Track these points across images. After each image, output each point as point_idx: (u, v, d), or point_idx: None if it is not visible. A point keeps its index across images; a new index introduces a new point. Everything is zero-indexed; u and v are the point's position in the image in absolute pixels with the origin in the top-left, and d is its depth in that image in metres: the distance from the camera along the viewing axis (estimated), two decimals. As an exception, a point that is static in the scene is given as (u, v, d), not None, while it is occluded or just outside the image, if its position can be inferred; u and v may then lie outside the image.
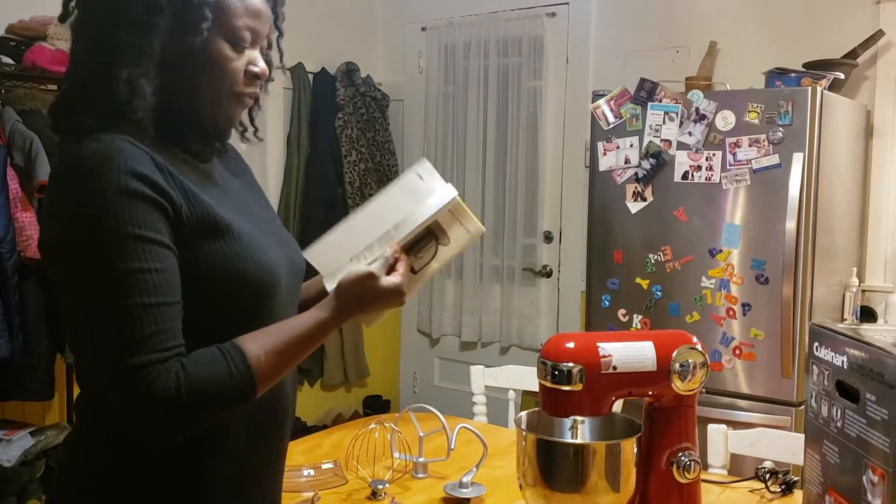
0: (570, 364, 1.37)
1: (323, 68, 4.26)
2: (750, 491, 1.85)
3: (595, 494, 1.39)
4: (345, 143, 4.22)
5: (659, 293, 3.06)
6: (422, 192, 1.31)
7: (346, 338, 4.34)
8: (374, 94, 4.39)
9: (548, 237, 4.14)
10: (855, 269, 3.16)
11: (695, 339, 1.46)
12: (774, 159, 2.82)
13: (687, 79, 3.32)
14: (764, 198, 2.85)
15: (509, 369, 2.70)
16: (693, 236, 2.99)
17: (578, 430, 1.53)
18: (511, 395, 2.68)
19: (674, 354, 1.42)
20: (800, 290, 2.81)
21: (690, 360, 1.43)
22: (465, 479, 1.80)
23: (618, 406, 2.04)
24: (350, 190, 4.21)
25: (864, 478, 1.24)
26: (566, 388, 1.38)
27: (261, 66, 1.21)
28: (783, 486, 1.82)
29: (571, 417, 1.51)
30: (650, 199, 3.06)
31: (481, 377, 2.66)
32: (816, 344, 1.41)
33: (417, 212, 1.29)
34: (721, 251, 2.94)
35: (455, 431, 1.94)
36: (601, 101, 3.13)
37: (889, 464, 1.19)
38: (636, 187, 3.08)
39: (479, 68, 4.23)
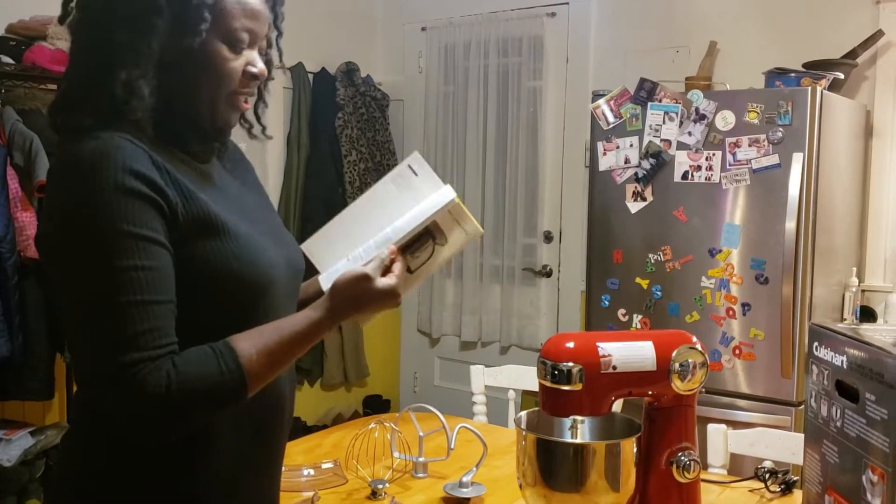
0: (570, 364, 1.38)
1: (323, 68, 4.26)
2: (750, 491, 1.85)
3: (595, 494, 1.39)
4: (345, 143, 4.22)
5: (659, 293, 3.06)
6: (418, 189, 1.30)
7: (346, 337, 4.34)
8: (374, 93, 4.39)
9: (548, 237, 4.14)
10: (855, 269, 3.16)
11: (694, 339, 1.46)
12: (774, 159, 2.82)
13: (687, 79, 3.32)
14: (764, 198, 2.85)
15: (509, 369, 2.69)
16: (693, 236, 2.99)
17: (578, 430, 1.53)
18: (511, 394, 2.68)
19: (673, 354, 1.42)
20: (799, 290, 2.81)
21: (690, 360, 1.43)
22: (465, 479, 1.80)
23: (618, 406, 2.04)
24: (350, 189, 4.21)
25: (864, 477, 1.24)
26: (566, 387, 1.38)
27: (259, 66, 1.21)
28: (783, 486, 1.82)
29: (571, 417, 1.51)
30: (650, 198, 3.06)
31: (481, 377, 2.66)
32: (816, 344, 1.40)
33: (416, 211, 1.29)
34: (721, 251, 2.94)
35: (455, 431, 1.94)
36: (601, 101, 3.13)
37: (889, 463, 1.19)
38: (636, 187, 3.08)
39: (478, 68, 4.22)
